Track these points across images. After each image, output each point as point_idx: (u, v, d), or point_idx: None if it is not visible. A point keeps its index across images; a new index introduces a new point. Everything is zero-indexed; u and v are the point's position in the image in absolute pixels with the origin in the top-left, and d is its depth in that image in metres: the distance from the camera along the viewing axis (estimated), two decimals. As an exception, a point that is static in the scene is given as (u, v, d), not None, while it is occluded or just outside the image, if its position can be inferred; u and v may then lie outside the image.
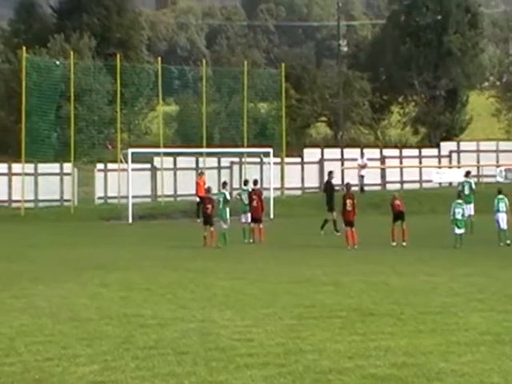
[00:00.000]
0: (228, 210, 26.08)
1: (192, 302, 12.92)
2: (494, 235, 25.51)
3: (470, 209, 28.56)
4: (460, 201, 25.49)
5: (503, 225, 25.60)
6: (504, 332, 9.99)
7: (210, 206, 26.07)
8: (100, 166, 41.72)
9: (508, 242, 25.25)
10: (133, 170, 37.08)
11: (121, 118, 43.67)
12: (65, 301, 13.15)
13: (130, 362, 8.95)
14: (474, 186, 30.06)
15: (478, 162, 48.23)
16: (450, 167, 47.75)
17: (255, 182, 28.74)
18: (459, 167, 47.23)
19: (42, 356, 9.30)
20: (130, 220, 35.28)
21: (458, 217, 24.99)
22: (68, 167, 39.91)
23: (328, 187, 30.67)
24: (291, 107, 51.34)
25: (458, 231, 24.92)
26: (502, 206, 25.85)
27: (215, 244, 25.20)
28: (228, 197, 26.70)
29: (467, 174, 31.53)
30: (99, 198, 40.83)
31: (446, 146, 49.73)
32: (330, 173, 31.38)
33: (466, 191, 29.29)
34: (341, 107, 51.53)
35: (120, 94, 42.24)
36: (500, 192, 26.35)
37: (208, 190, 27.01)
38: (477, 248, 24.39)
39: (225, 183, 28.57)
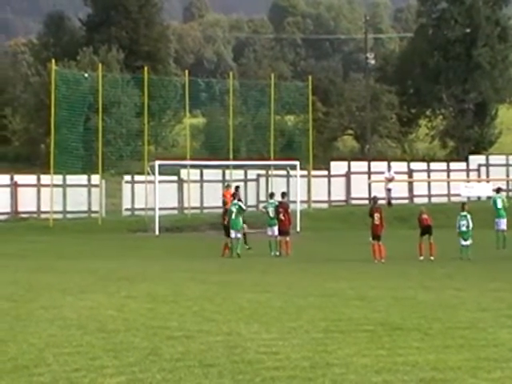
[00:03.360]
0: (241, 220, 26.31)
1: (218, 314, 12.91)
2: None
3: (502, 223, 28.39)
4: (464, 213, 25.40)
5: None
6: (534, 348, 9.89)
7: (227, 217, 26.61)
8: (127, 177, 41.96)
9: None
10: (160, 182, 37.25)
11: (148, 130, 43.94)
12: (92, 312, 13.21)
13: (156, 374, 8.96)
14: (506, 201, 29.82)
15: (508, 176, 47.85)
16: (479, 181, 47.41)
17: (283, 195, 28.72)
18: (488, 181, 46.89)
19: (70, 367, 9.33)
20: (157, 232, 35.40)
21: (463, 229, 25.06)
22: (96, 179, 40.18)
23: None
24: (318, 120, 51.37)
25: (464, 243, 24.96)
26: None
27: (231, 254, 25.53)
28: (244, 207, 26.92)
29: (498, 190, 31.21)
30: (126, 209, 41.04)
31: (475, 160, 49.40)
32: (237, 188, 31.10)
33: (499, 205, 29.04)
34: (368, 120, 51.46)
35: (147, 107, 42.53)
36: None
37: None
38: (506, 263, 24.16)
39: (235, 193, 28.44)
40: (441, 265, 23.28)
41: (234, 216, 26.28)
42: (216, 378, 8.77)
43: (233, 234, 26.24)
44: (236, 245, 26.22)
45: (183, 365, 9.34)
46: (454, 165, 49.00)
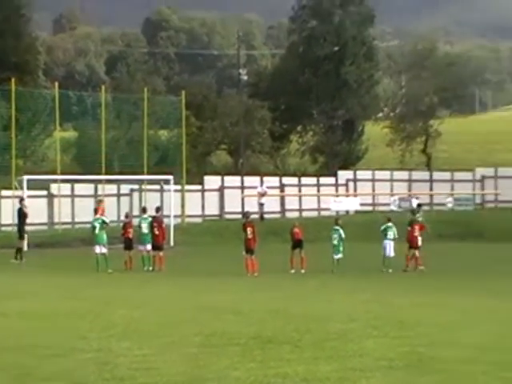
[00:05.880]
0: (105, 234, 26.18)
1: (90, 331, 12.73)
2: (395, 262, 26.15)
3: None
4: (337, 227, 26.18)
5: (389, 252, 26.39)
6: (397, 358, 10.26)
7: (131, 231, 26.80)
8: (-6, 192, 40.68)
9: (390, 270, 25.95)
10: (28, 196, 36.29)
11: (16, 143, 42.75)
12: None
13: (26, 395, 8.75)
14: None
15: (374, 190, 49.46)
16: (347, 195, 48.78)
17: (157, 210, 28.60)
18: (356, 195, 48.34)
19: None
20: (26, 248, 34.45)
21: (335, 242, 25.82)
22: (-39, 194, 38.76)
23: (20, 214, 30.86)
24: (192, 135, 51.46)
25: (336, 256, 25.72)
26: (390, 234, 26.68)
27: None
28: (107, 221, 26.80)
29: (419, 205, 30.56)
30: (-6, 225, 39.77)
31: (343, 175, 50.82)
32: (22, 200, 31.60)
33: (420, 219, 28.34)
34: (241, 135, 52.01)
35: (15, 120, 41.38)
36: (389, 220, 27.20)
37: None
38: (375, 275, 24.97)
39: (96, 209, 28.68)
40: (312, 277, 23.80)
41: (97, 231, 26.11)
42: (88, 396, 8.64)
43: (97, 248, 26.04)
44: (102, 259, 25.94)
45: (53, 384, 9.16)
46: (323, 179, 50.24)
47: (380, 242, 27.12)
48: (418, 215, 28.40)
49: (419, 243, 26.86)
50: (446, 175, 51.90)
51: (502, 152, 67.51)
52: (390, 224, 26.98)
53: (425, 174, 52.88)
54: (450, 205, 49.36)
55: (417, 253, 26.66)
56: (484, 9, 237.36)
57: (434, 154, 60.21)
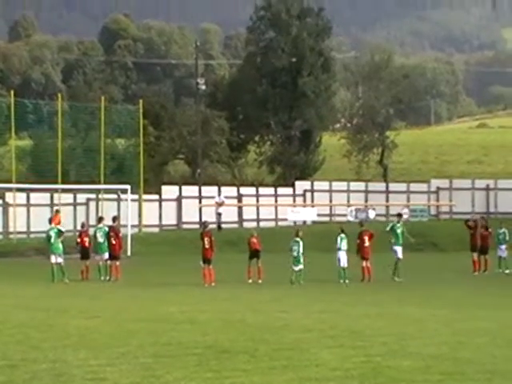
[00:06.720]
0: (61, 244, 25.99)
1: (44, 342, 12.59)
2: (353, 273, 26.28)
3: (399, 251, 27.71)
4: (297, 239, 26.23)
5: (344, 263, 26.54)
6: (352, 367, 10.33)
7: (86, 240, 26.86)
8: None
9: (347, 281, 26.12)
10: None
11: (-30, 152, 42.24)
12: None
13: (-23, 407, 8.63)
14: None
15: (331, 201, 49.75)
16: (305, 206, 48.99)
17: (114, 219, 28.41)
18: (313, 206, 48.56)
19: None
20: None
21: (295, 254, 25.84)
22: None
23: None
24: (149, 144, 51.27)
25: (296, 268, 25.75)
26: (344, 245, 26.83)
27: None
28: (63, 230, 26.61)
29: (399, 215, 30.12)
30: None
31: (301, 185, 51.04)
32: None
33: (398, 230, 27.99)
34: (199, 145, 51.96)
35: (-30, 128, 40.89)
36: (342, 231, 27.35)
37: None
38: (329, 286, 25.10)
39: (51, 218, 28.45)
40: (268, 288, 23.84)
41: (53, 240, 25.89)
42: (41, 408, 8.55)
43: (53, 258, 25.82)
44: (58, 269, 25.71)
45: (6, 395, 9.05)
46: (281, 190, 50.41)
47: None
48: (398, 225, 28.20)
49: (370, 253, 26.93)
50: (402, 186, 52.44)
51: (457, 164, 68.46)
52: (342, 235, 27.14)
53: (381, 185, 53.36)
54: (405, 216, 49.82)
55: (368, 263, 26.82)
56: (439, 21, 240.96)
57: (390, 165, 60.79)
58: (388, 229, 28.28)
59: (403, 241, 28.21)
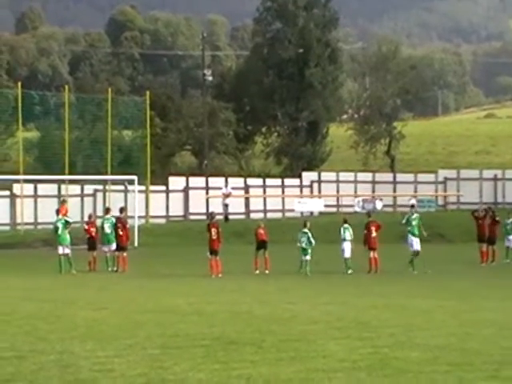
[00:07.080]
0: (68, 235, 25.99)
1: (51, 333, 12.62)
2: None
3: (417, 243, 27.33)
4: (305, 230, 26.18)
5: (347, 253, 26.47)
6: (360, 359, 10.32)
7: (94, 230, 26.88)
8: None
9: (350, 271, 26.03)
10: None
11: (-23, 143, 42.33)
12: None
13: (-15, 397, 8.66)
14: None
15: (338, 192, 49.69)
16: (312, 197, 48.95)
17: (121, 210, 28.39)
18: (320, 197, 48.52)
19: None
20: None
21: (303, 245, 25.81)
22: None
23: None
24: (156, 135, 51.26)
25: (304, 258, 25.75)
26: (348, 235, 26.72)
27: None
28: (70, 221, 26.62)
29: (412, 206, 29.91)
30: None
31: (308, 176, 50.99)
32: None
33: (414, 222, 27.53)
34: (205, 136, 51.93)
35: (-23, 119, 40.96)
36: (345, 221, 27.22)
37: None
38: (336, 277, 25.09)
39: (58, 209, 28.39)
40: (275, 279, 23.84)
41: (60, 231, 25.91)
42: (49, 399, 8.57)
43: (60, 249, 25.84)
44: (65, 260, 25.75)
45: (14, 386, 9.07)
46: (288, 181, 50.35)
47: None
48: (413, 216, 27.84)
49: (377, 244, 26.81)
50: (410, 177, 52.30)
51: (465, 154, 68.29)
52: (346, 225, 27.03)
53: (388, 176, 53.24)
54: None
55: (376, 254, 26.73)
56: (446, 12, 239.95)
57: (398, 155, 60.65)
58: (404, 221, 28.03)
59: (419, 233, 27.94)
